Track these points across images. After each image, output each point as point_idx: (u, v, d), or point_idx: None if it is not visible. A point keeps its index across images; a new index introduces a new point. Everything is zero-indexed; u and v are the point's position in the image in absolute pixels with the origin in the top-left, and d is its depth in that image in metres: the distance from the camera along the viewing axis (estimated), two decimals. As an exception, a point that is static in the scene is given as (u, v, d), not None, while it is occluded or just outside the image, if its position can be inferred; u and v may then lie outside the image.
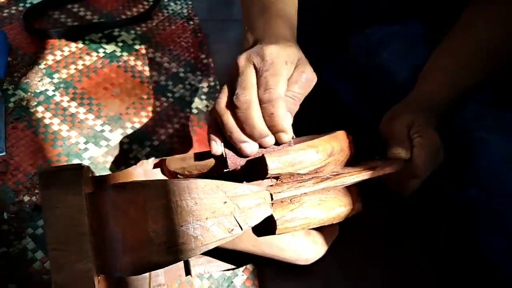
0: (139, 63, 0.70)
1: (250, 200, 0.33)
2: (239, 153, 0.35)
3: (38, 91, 0.62)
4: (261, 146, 0.35)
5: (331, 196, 0.38)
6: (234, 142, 0.35)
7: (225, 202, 0.32)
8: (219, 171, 0.37)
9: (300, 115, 0.37)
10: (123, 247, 0.29)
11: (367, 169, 0.39)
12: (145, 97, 0.65)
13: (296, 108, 0.36)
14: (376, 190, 0.44)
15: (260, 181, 0.36)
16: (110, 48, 0.71)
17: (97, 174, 0.34)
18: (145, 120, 0.61)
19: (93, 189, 0.29)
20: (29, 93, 0.62)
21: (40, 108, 0.60)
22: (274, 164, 0.34)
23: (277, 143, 0.36)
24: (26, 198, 0.51)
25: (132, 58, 0.70)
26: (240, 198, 0.33)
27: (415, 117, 0.43)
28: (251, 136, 0.35)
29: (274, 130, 0.35)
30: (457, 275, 0.49)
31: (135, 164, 0.38)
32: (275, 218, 0.34)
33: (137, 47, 0.72)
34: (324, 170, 0.38)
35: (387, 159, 0.41)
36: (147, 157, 0.56)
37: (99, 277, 0.28)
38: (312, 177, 0.37)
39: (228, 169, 0.35)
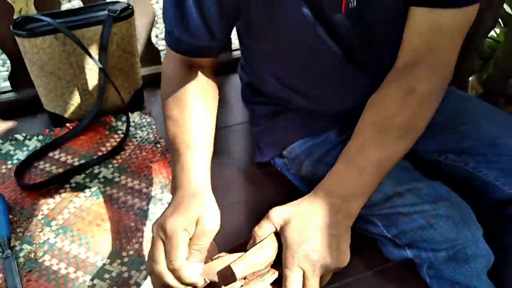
0: (121, 193, 0.83)
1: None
2: None
3: (41, 241, 0.73)
4: None
5: None
6: None
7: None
8: None
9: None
10: None
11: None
12: (132, 224, 0.77)
13: (203, 256, 0.50)
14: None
15: (233, 284, 0.49)
16: (94, 186, 0.84)
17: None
18: (137, 246, 0.74)
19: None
20: (34, 245, 0.73)
21: (46, 257, 0.71)
22: (240, 269, 0.48)
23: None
24: None
25: (114, 190, 0.83)
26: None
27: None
28: None
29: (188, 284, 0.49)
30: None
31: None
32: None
33: (117, 179, 0.86)
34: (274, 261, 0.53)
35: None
36: (145, 279, 0.68)
37: None
38: (268, 270, 0.52)
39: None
